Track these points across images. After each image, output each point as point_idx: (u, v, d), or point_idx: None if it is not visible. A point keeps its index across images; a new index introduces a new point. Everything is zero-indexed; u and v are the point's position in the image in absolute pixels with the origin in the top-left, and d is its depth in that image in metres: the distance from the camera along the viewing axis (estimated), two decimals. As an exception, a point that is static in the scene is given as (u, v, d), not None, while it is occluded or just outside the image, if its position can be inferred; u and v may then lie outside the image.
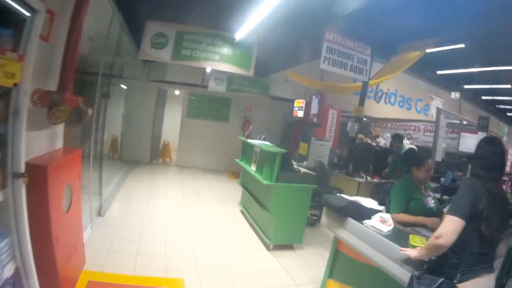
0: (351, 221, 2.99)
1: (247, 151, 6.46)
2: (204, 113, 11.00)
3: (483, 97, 15.38)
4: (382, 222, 2.85)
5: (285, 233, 4.96)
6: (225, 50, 6.63)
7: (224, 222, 5.93)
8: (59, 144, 3.08)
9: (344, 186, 6.75)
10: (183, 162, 10.86)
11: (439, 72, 12.45)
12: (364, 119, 10.30)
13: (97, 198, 5.19)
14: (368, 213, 3.03)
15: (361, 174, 6.93)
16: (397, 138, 7.57)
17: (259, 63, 7.18)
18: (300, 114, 9.79)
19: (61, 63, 2.57)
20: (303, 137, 9.11)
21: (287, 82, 10.63)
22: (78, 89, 2.87)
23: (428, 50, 7.14)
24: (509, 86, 12.07)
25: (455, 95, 12.92)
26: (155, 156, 10.98)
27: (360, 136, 9.71)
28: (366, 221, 2.91)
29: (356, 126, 8.67)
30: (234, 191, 8.21)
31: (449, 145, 8.29)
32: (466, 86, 13.96)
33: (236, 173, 10.37)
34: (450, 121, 8.95)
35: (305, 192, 5.03)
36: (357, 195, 5.76)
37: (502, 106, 16.78)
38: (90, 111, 2.86)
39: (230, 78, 9.90)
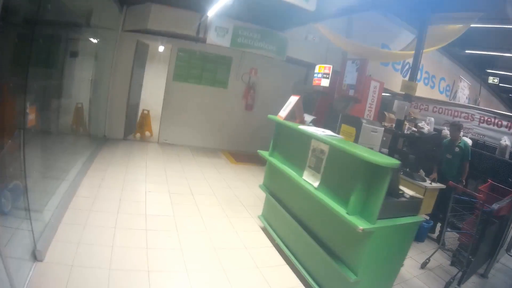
0: None
1: (286, 142, 4.08)
2: (196, 75, 8.37)
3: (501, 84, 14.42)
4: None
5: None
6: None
7: (243, 256, 3.60)
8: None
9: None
10: (168, 138, 8.31)
11: (468, 51, 10.95)
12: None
13: (27, 226, 2.74)
14: None
15: (419, 174, 5.44)
16: (456, 127, 5.87)
17: (271, 10, 5.72)
18: (325, 83, 7.42)
19: None
20: (332, 116, 6.88)
21: (306, 42, 8.19)
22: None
23: (473, 25, 6.41)
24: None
25: (493, 80, 11.35)
26: (131, 129, 8.38)
27: (391, 116, 7.57)
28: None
29: (406, 107, 6.51)
30: (240, 185, 6.01)
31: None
32: (489, 71, 13.18)
33: (235, 155, 8.07)
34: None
35: (410, 230, 2.92)
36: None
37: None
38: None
39: (237, 28, 7.34)
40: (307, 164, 3.38)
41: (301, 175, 3.47)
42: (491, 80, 11.71)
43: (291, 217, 3.59)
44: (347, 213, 2.63)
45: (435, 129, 8.04)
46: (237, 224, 4.36)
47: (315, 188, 3.15)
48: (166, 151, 7.59)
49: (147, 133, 8.70)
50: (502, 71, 12.65)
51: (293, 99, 4.05)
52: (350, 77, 6.94)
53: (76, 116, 6.14)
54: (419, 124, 7.84)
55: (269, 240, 4.06)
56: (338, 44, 7.26)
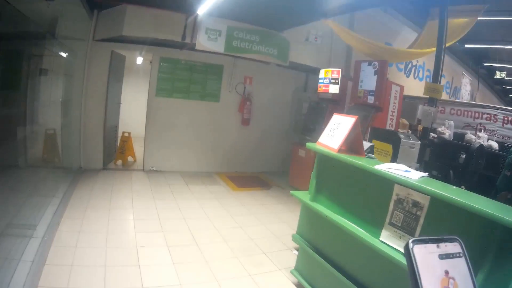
0: None
1: (342, 184, 2.99)
2: (183, 88, 7.17)
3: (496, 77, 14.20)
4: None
5: None
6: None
7: None
8: None
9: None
10: (154, 164, 7.07)
11: (467, 46, 10.66)
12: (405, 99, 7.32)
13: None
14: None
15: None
16: None
17: (271, 6, 5.07)
18: (334, 89, 6.42)
19: None
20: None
21: (308, 43, 7.19)
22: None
23: (479, 18, 6.21)
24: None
25: (500, 74, 10.82)
26: (111, 156, 7.13)
27: (404, 122, 6.70)
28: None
29: (433, 113, 5.61)
30: (251, 222, 4.94)
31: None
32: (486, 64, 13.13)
33: (235, 179, 6.97)
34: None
35: None
36: None
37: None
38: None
39: (232, 29, 6.25)
40: (387, 221, 2.31)
41: (374, 234, 2.41)
42: (498, 75, 11.09)
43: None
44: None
45: (455, 133, 7.23)
46: (264, 284, 3.26)
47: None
48: (154, 180, 6.38)
49: (130, 159, 7.47)
50: (497, 63, 12.28)
51: (343, 121, 2.95)
52: (367, 82, 5.96)
53: (47, 145, 4.96)
54: (439, 129, 7.02)
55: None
56: (354, 44, 6.36)
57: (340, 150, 2.81)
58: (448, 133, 7.07)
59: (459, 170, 4.97)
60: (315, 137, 6.75)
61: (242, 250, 3.98)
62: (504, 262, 1.68)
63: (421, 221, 2.07)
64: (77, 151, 6.39)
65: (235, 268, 3.56)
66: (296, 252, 4.02)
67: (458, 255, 0.86)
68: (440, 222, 2.04)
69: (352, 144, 2.93)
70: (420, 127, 6.29)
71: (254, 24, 6.46)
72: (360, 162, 2.57)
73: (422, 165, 5.37)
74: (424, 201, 2.06)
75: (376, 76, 5.75)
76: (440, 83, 5.90)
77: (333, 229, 2.81)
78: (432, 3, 6.14)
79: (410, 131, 6.20)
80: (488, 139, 6.52)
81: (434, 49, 5.96)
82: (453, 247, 0.85)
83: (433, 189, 1.97)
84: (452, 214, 1.95)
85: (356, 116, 2.87)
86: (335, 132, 2.95)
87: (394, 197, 2.27)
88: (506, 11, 7.11)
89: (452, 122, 7.19)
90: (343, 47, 7.55)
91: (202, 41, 6.09)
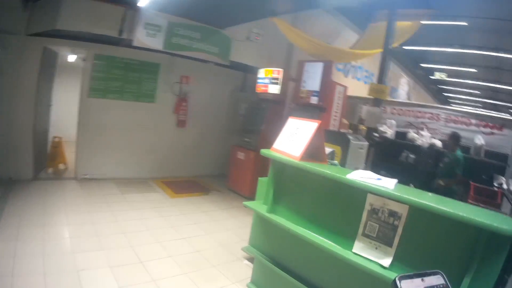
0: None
1: (304, 194, 2.82)
2: (117, 88, 6.60)
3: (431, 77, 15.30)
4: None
5: None
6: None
7: None
8: None
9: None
10: (88, 171, 6.45)
11: (406, 48, 10.75)
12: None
13: None
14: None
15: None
16: (455, 139, 5.38)
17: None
18: (274, 90, 6.29)
19: None
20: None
21: (248, 42, 7.02)
22: None
23: (423, 22, 6.45)
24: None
25: (440, 75, 11.55)
26: (42, 164, 6.41)
27: (344, 121, 6.81)
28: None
29: (378, 113, 5.70)
30: (195, 232, 4.69)
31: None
32: (423, 65, 13.86)
33: (172, 184, 6.65)
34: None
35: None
36: None
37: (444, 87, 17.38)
38: None
39: (172, 25, 5.88)
40: (360, 232, 2.19)
41: (346, 246, 2.29)
42: (437, 75, 11.85)
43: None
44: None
45: (397, 132, 7.46)
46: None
47: (385, 268, 2.02)
48: (88, 190, 5.81)
49: (61, 166, 6.79)
50: (434, 65, 13.18)
51: (303, 126, 2.76)
52: (311, 82, 5.90)
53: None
54: (381, 129, 7.18)
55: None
56: (299, 43, 6.25)
57: (303, 158, 2.62)
58: (390, 132, 7.28)
59: (407, 170, 5.09)
60: (254, 139, 6.67)
61: (191, 265, 3.68)
62: (489, 267, 1.72)
63: (399, 230, 1.99)
64: (5, 160, 5.64)
65: (185, 285, 3.26)
66: (247, 262, 3.83)
67: (441, 286, 0.91)
68: (419, 231, 2.00)
69: (313, 150, 2.75)
70: (362, 127, 6.37)
71: (196, 20, 6.14)
72: (329, 172, 2.41)
73: (369, 165, 5.41)
74: (402, 210, 1.99)
75: (321, 76, 5.70)
76: (384, 83, 5.98)
77: (296, 242, 2.63)
78: (380, 6, 6.19)
79: (351, 131, 6.25)
80: (431, 137, 6.78)
81: (378, 50, 6.05)
82: (437, 280, 0.91)
83: (412, 198, 1.93)
84: (433, 223, 1.95)
85: (319, 121, 2.72)
86: (295, 137, 2.75)
87: (367, 207, 2.16)
88: (447, 16, 7.46)
89: (394, 121, 7.40)
90: (284, 47, 7.48)
91: (141, 37, 5.67)
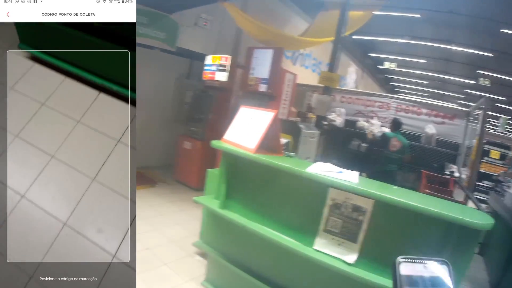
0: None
1: (260, 188, 2.67)
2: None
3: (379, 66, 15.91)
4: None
5: None
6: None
7: None
8: None
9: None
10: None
11: (355, 37, 11.22)
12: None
13: None
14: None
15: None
16: (396, 124, 5.67)
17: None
18: (221, 77, 6.06)
19: None
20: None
21: (196, 28, 6.73)
22: None
23: (375, 12, 6.39)
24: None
25: (390, 65, 11.84)
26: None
27: (291, 109, 6.76)
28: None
29: (328, 101, 5.69)
30: (141, 226, 4.36)
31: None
32: (372, 55, 14.33)
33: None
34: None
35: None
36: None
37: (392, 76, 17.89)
38: None
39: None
40: (321, 228, 2.09)
41: (306, 242, 2.18)
42: (388, 65, 12.13)
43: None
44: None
45: (346, 121, 7.50)
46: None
47: (349, 265, 1.95)
48: None
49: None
50: (383, 54, 13.56)
51: (257, 116, 2.58)
52: (260, 70, 5.74)
53: None
54: (329, 117, 7.20)
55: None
56: (249, 29, 6.07)
57: (258, 151, 2.45)
58: (339, 120, 7.33)
59: (359, 158, 5.14)
60: (201, 128, 6.41)
61: (141, 264, 3.41)
62: (459, 261, 1.68)
63: (364, 226, 1.91)
64: None
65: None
66: (199, 257, 3.64)
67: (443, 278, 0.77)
68: (386, 226, 1.96)
69: (269, 141, 2.58)
70: (311, 115, 6.33)
71: (143, 3, 5.73)
72: (289, 166, 2.26)
73: (319, 154, 5.40)
74: (367, 205, 1.91)
75: (270, 64, 5.56)
76: (335, 71, 5.99)
77: (253, 239, 2.48)
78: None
79: (300, 119, 6.20)
80: (381, 126, 6.89)
81: (329, 39, 6.02)
82: (441, 270, 0.78)
83: (378, 193, 1.86)
84: (401, 217, 1.90)
85: (276, 111, 2.55)
86: (248, 128, 2.58)
87: (329, 202, 2.06)
88: (400, 8, 7.60)
89: (343, 110, 7.45)
90: (232, 34, 7.28)
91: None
